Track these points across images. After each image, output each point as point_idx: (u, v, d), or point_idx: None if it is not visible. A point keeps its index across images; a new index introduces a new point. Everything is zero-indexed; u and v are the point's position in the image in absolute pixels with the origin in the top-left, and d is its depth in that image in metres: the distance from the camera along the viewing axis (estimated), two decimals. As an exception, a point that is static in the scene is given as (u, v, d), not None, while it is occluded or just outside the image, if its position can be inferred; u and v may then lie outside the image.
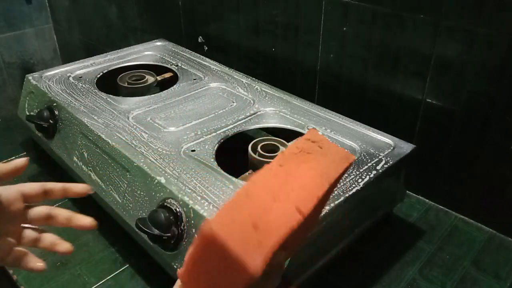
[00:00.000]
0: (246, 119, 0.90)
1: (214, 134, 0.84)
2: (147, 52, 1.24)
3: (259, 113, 0.92)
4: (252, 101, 0.96)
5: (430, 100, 0.88)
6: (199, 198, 0.67)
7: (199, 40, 1.32)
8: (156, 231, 0.65)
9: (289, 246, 0.45)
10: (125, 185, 0.76)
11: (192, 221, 0.65)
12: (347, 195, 0.69)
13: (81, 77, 1.07)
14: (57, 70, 1.10)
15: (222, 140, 0.83)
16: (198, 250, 0.39)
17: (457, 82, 0.83)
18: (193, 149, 0.80)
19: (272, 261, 0.37)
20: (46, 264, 0.58)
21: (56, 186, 0.60)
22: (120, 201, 0.77)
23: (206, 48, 1.32)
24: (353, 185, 0.71)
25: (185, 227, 0.66)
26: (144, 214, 0.71)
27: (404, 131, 0.91)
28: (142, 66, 1.16)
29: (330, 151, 0.47)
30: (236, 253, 0.35)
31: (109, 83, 1.08)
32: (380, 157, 0.78)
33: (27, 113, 1.02)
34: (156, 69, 1.14)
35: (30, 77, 1.05)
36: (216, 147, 0.81)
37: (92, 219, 0.58)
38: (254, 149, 0.81)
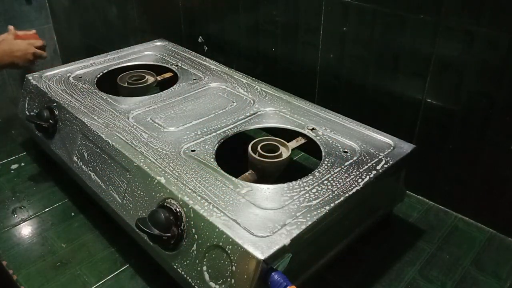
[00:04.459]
0: (246, 119, 0.90)
1: (214, 134, 0.84)
2: (147, 52, 1.24)
3: (259, 113, 0.92)
4: (252, 101, 0.96)
5: (430, 100, 0.88)
6: (199, 198, 0.67)
7: (199, 40, 1.32)
8: (156, 231, 0.65)
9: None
10: (125, 185, 0.76)
11: (192, 221, 0.65)
12: (347, 195, 0.69)
13: (81, 77, 1.07)
14: (57, 70, 1.10)
15: (222, 140, 0.83)
16: None
17: (457, 82, 0.83)
18: (193, 149, 0.80)
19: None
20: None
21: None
22: (120, 201, 0.77)
23: (206, 48, 1.32)
24: (353, 185, 0.71)
25: (185, 227, 0.66)
26: (144, 214, 0.71)
27: (404, 131, 0.91)
28: (142, 66, 1.16)
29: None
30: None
31: (109, 83, 1.08)
32: (380, 157, 0.78)
33: (27, 113, 1.02)
34: (156, 69, 1.14)
35: (30, 77, 1.05)
36: (216, 147, 0.81)
37: None
38: (254, 149, 0.81)
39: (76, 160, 0.88)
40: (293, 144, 0.85)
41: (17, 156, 1.09)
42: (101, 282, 0.76)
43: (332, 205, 0.67)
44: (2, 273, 0.80)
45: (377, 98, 0.96)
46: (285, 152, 0.82)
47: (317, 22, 0.99)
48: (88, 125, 0.86)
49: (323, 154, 0.80)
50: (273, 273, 0.58)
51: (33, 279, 0.77)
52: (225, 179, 0.72)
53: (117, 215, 0.78)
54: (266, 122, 0.90)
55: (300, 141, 0.86)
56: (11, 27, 1.22)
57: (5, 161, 1.07)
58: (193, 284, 0.64)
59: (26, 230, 0.87)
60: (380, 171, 0.75)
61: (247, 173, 0.80)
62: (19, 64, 1.18)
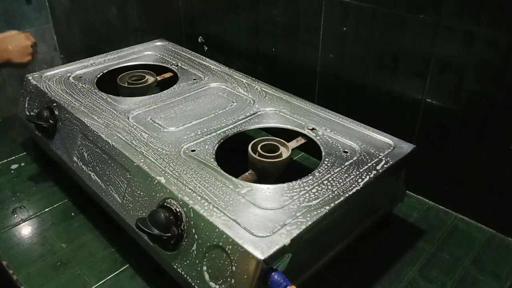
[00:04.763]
0: (246, 119, 0.90)
1: (214, 134, 0.84)
2: (147, 52, 1.24)
3: (259, 113, 0.92)
4: (252, 101, 0.96)
5: (430, 100, 0.88)
6: (199, 198, 0.67)
7: (199, 40, 1.32)
8: (156, 231, 0.65)
9: None
10: (125, 185, 0.76)
11: (192, 221, 0.65)
12: (347, 195, 0.69)
13: (81, 77, 1.07)
14: (57, 70, 1.10)
15: (222, 140, 0.83)
16: None
17: (457, 82, 0.83)
18: (193, 149, 0.80)
19: None
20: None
21: None
22: (120, 201, 0.77)
23: (206, 48, 1.32)
24: (353, 185, 0.71)
25: (185, 227, 0.66)
26: (144, 214, 0.71)
27: (404, 131, 0.91)
28: (142, 66, 1.16)
29: None
30: None
31: (109, 83, 1.08)
32: (380, 157, 0.78)
33: (27, 113, 1.02)
34: (156, 69, 1.14)
35: (30, 77, 1.05)
36: (216, 147, 0.81)
37: None
38: (254, 149, 0.81)
39: (76, 160, 0.88)
40: (293, 144, 0.85)
41: (17, 156, 1.09)
42: (101, 282, 0.76)
43: (332, 205, 0.67)
44: (2, 273, 0.80)
45: (377, 98, 0.96)
46: (285, 152, 0.82)
47: (317, 22, 0.99)
48: (88, 125, 0.86)
49: (323, 154, 0.80)
50: (273, 273, 0.58)
51: (33, 279, 0.77)
52: (225, 179, 0.72)
53: (117, 215, 0.78)
54: (266, 122, 0.90)
55: (300, 141, 0.86)
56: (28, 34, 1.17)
57: (5, 161, 1.07)
58: (193, 284, 0.64)
59: (26, 230, 0.87)
60: (380, 171, 0.75)
61: (247, 173, 0.80)
62: (17, 60, 1.07)
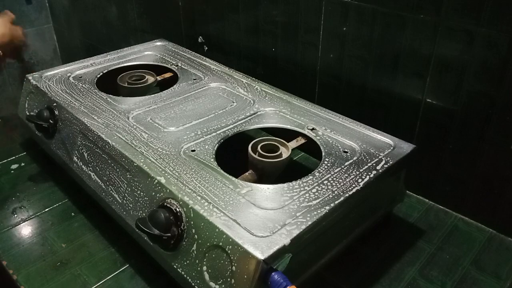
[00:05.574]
0: (246, 119, 0.90)
1: (214, 134, 0.84)
2: (147, 52, 1.24)
3: (259, 113, 0.92)
4: (252, 101, 0.96)
5: (430, 100, 0.88)
6: (199, 198, 0.67)
7: (199, 40, 1.33)
8: (156, 231, 0.65)
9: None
10: (125, 185, 0.77)
11: (192, 221, 0.65)
12: (347, 195, 0.69)
13: (81, 77, 1.07)
14: (57, 70, 1.10)
15: (222, 140, 0.83)
16: None
17: (457, 82, 0.83)
18: (193, 149, 0.80)
19: None
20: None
21: None
22: (120, 201, 0.77)
23: (206, 48, 1.32)
24: (353, 185, 0.71)
25: (185, 227, 0.66)
26: (144, 214, 0.71)
27: (404, 131, 0.91)
28: (142, 66, 1.16)
29: None
30: None
31: (109, 83, 1.08)
32: (380, 157, 0.78)
33: (27, 113, 1.02)
34: (156, 69, 1.14)
35: (30, 77, 1.05)
36: (216, 147, 0.81)
37: None
38: (254, 149, 0.81)
39: (76, 160, 0.88)
40: (293, 144, 0.85)
41: (17, 156, 1.09)
42: (101, 282, 0.76)
43: (332, 205, 0.67)
44: (2, 273, 0.80)
45: (377, 98, 0.96)
46: (285, 152, 0.82)
47: (317, 22, 0.99)
48: (88, 125, 0.86)
49: (323, 154, 0.80)
50: (273, 273, 0.58)
51: (33, 279, 0.77)
52: (225, 179, 0.72)
53: (117, 215, 0.78)
54: (266, 122, 0.90)
55: (300, 141, 0.86)
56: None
57: (5, 161, 1.07)
58: (193, 284, 0.64)
59: (26, 230, 0.87)
60: (380, 171, 0.75)
61: (247, 173, 0.80)
62: None
